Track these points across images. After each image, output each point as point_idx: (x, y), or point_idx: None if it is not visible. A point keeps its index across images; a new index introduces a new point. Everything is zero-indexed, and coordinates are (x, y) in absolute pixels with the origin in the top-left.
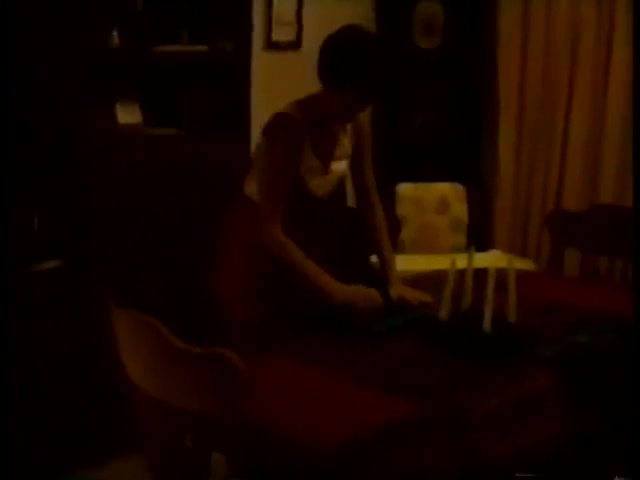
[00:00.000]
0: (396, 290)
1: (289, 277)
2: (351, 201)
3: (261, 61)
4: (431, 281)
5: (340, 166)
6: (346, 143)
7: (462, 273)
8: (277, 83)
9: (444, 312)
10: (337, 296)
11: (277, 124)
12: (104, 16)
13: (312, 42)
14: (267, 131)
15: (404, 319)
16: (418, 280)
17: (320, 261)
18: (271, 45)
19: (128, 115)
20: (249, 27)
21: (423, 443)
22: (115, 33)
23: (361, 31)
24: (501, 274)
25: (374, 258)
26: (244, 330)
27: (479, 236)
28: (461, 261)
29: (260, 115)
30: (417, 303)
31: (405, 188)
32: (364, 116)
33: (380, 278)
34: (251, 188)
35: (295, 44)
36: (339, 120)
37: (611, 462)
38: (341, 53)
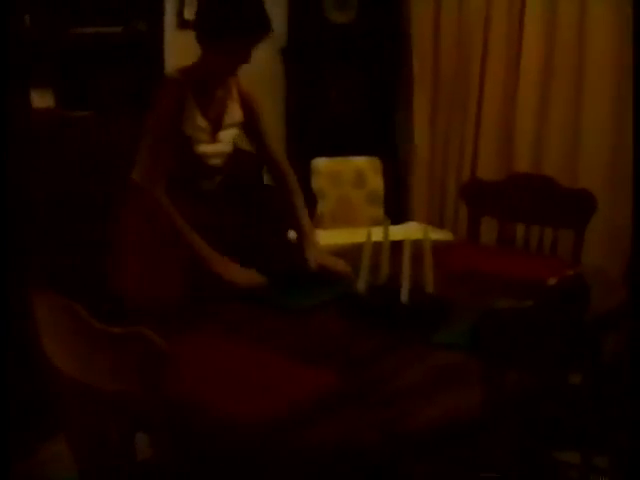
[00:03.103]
0: (315, 258)
1: (173, 242)
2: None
3: (174, 40)
4: (349, 254)
5: (228, 135)
6: (235, 110)
7: (379, 246)
8: (191, 61)
9: (362, 285)
10: (219, 270)
11: (157, 87)
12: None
13: None
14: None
15: (324, 296)
16: (336, 254)
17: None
18: (184, 24)
19: (42, 99)
20: (161, 6)
21: (348, 414)
22: (27, 16)
23: None
24: (418, 245)
25: (292, 234)
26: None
27: (396, 208)
28: (378, 234)
29: None
30: (337, 272)
31: (321, 163)
32: (277, 91)
33: (298, 246)
34: (137, 173)
35: None
36: (222, 76)
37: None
38: (210, 4)
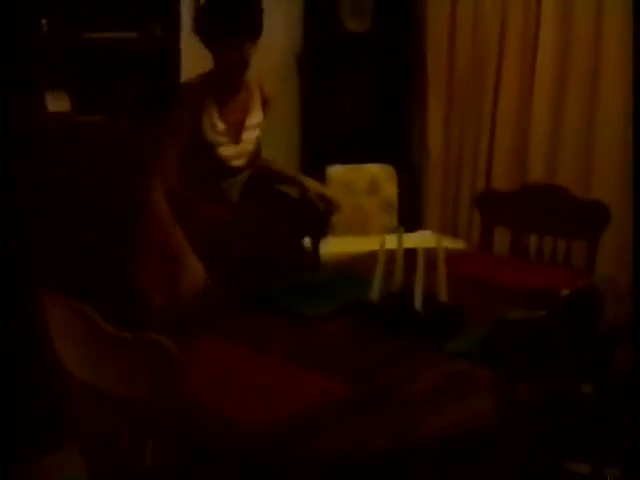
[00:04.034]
0: (313, 188)
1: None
2: None
3: (190, 45)
4: (363, 262)
5: (251, 135)
6: (256, 112)
7: (393, 253)
8: (207, 67)
9: (375, 292)
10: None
11: (181, 93)
12: (33, 3)
13: None
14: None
15: (336, 303)
16: (350, 261)
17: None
18: None
19: (57, 103)
20: (177, 12)
21: (356, 422)
22: (44, 21)
23: None
24: (431, 254)
25: (307, 241)
26: (163, 316)
27: (410, 217)
28: (392, 242)
29: None
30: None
31: (335, 170)
32: (292, 98)
33: (299, 190)
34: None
35: None
36: (232, 78)
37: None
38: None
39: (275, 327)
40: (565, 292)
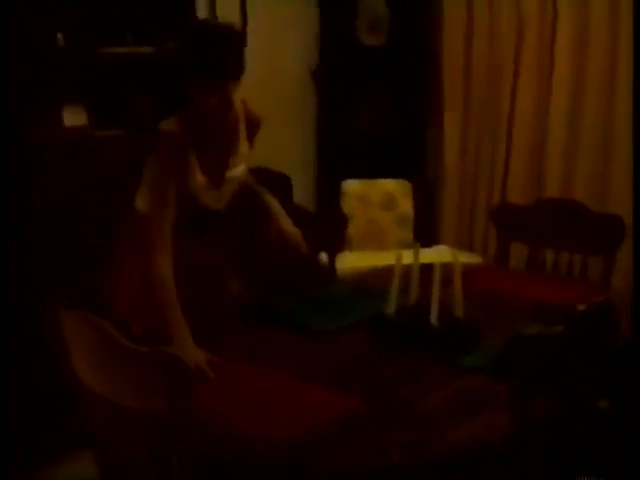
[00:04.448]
0: (283, 226)
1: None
2: None
3: None
4: (378, 277)
5: (235, 173)
6: (243, 146)
7: (409, 268)
8: None
9: (391, 307)
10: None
11: (161, 145)
12: (49, 18)
13: (256, 41)
14: (156, 151)
15: (353, 318)
16: (366, 276)
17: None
18: None
19: (74, 117)
20: None
21: (373, 437)
22: (60, 35)
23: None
24: (447, 268)
25: (322, 256)
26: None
27: (425, 231)
28: (408, 256)
29: None
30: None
31: (351, 185)
32: (308, 113)
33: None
34: (141, 202)
35: None
36: (216, 117)
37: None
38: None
39: (290, 342)
40: (581, 307)
